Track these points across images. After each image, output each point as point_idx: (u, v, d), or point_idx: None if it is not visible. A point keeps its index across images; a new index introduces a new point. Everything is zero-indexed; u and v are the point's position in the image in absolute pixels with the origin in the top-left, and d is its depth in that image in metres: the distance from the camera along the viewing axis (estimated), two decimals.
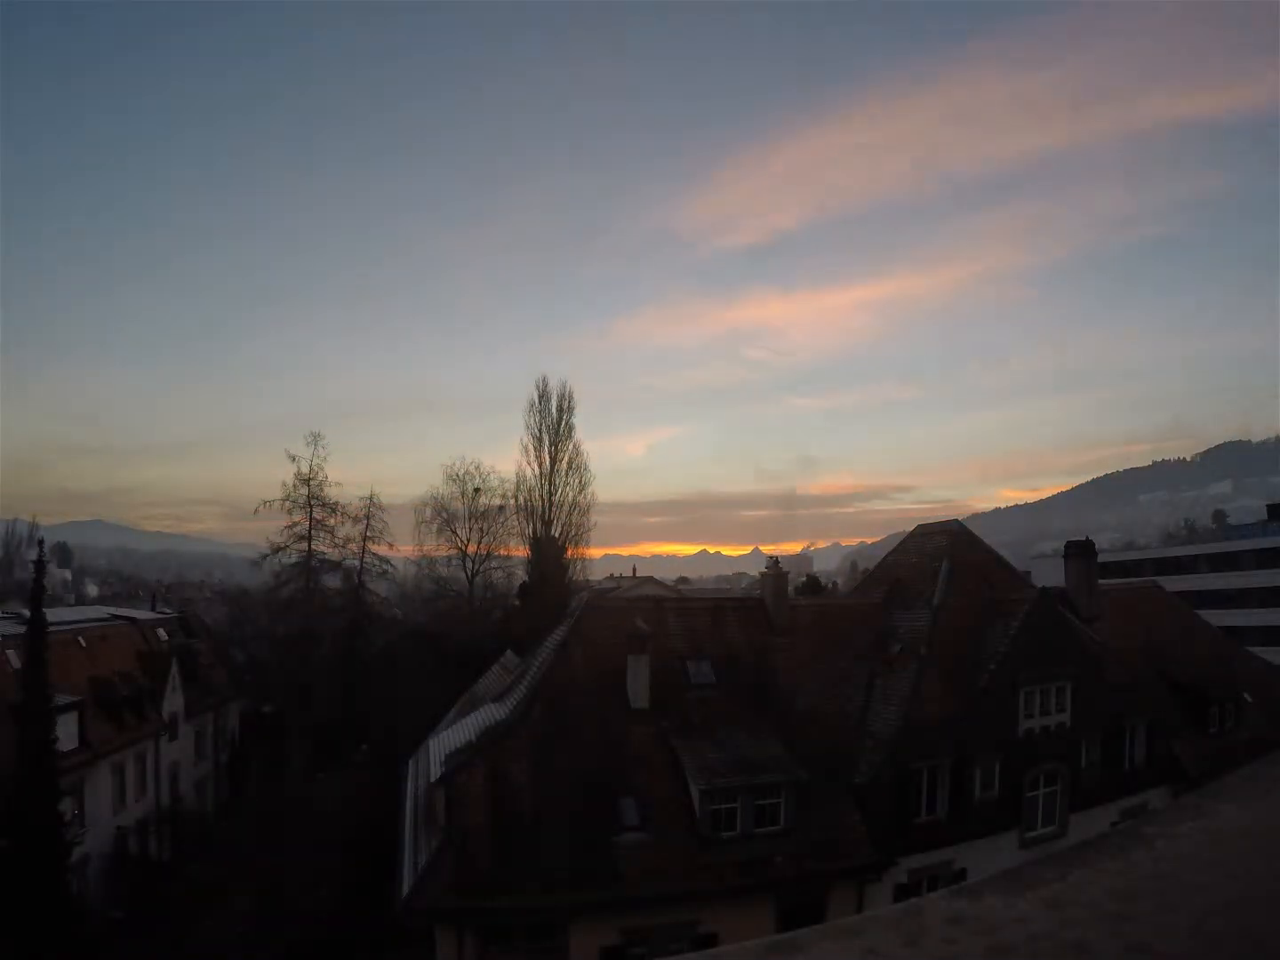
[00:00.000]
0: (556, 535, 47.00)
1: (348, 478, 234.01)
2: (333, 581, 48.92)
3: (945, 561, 24.99)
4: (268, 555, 47.37)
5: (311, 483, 46.57)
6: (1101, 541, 43.33)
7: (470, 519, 49.24)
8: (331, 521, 47.25)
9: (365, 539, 48.10)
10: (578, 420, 48.26)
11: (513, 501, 47.82)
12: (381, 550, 49.00)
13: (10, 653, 27.82)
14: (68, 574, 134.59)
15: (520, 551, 49.32)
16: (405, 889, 18.18)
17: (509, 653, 31.06)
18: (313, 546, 46.99)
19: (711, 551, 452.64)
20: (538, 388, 47.89)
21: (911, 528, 29.27)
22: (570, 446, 47.54)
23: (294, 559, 47.12)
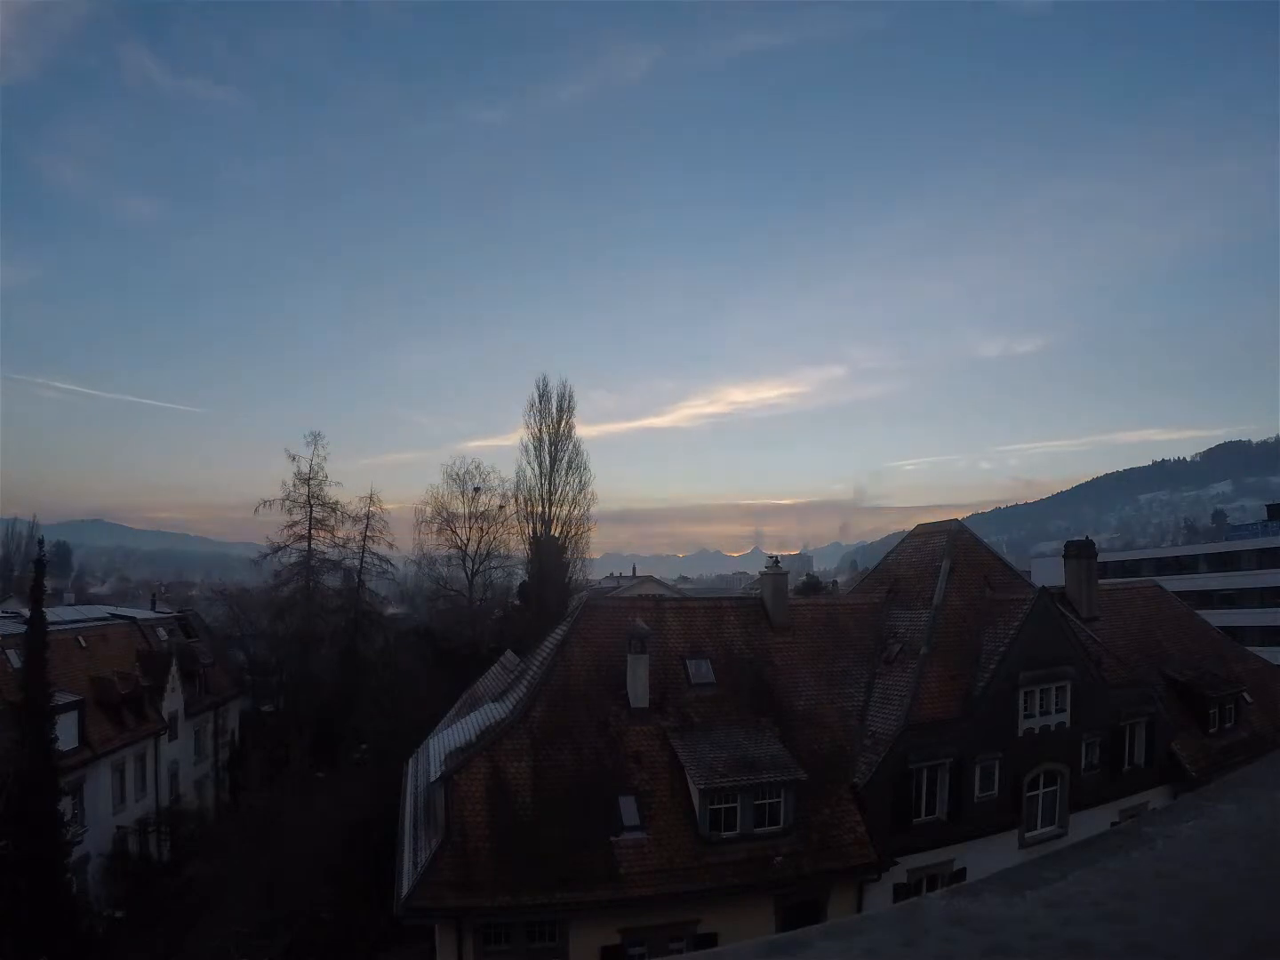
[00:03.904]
0: (556, 535, 47.05)
1: (348, 478, 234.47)
2: (333, 581, 49.01)
3: (945, 561, 24.99)
4: (268, 555, 47.54)
5: (311, 482, 46.78)
6: (1101, 541, 43.32)
7: (470, 519, 49.32)
8: (331, 521, 47.48)
9: (365, 538, 48.24)
10: (578, 419, 48.46)
11: (513, 501, 47.93)
12: (381, 550, 49.17)
13: (10, 652, 27.83)
14: (70, 571, 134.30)
15: (520, 551, 49.42)
16: (405, 888, 18.18)
17: (509, 653, 31.01)
18: (313, 546, 47.13)
19: (711, 551, 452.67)
20: (538, 387, 47.96)
21: (911, 527, 29.32)
22: (570, 446, 47.65)
23: (294, 558, 47.27)
